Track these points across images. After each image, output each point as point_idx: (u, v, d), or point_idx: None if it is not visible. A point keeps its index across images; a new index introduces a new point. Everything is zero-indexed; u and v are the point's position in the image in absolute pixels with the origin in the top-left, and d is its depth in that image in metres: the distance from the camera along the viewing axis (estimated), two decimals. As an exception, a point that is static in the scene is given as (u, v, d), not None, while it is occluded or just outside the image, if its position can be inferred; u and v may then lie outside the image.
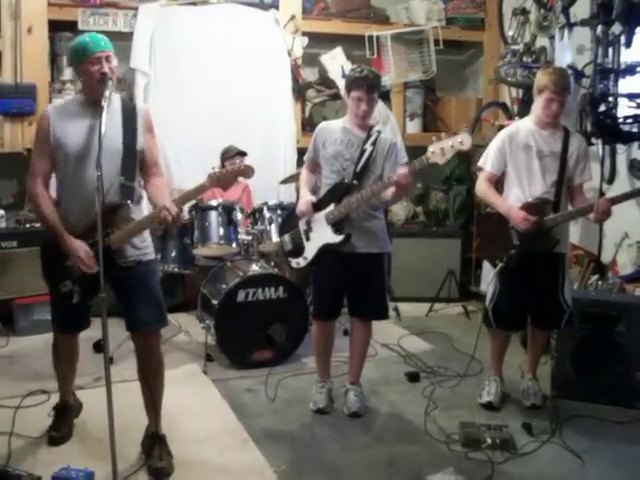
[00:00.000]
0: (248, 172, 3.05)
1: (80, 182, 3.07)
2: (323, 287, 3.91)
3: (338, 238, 3.71)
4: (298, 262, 3.93)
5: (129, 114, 3.17)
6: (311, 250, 3.85)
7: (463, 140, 3.34)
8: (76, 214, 3.11)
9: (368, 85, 3.63)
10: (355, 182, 3.69)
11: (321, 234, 3.78)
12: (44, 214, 3.11)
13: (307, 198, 3.81)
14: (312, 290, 4.12)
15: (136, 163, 3.16)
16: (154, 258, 3.32)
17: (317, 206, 3.78)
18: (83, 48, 3.04)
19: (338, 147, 3.75)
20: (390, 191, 3.59)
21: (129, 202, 3.11)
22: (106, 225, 2.95)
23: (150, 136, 3.26)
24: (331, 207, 3.72)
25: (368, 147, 3.71)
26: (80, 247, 3.04)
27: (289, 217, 4.13)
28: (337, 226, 3.71)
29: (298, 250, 3.92)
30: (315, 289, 4.02)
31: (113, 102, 3.14)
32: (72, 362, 3.52)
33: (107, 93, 2.96)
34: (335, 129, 3.82)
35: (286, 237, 4.02)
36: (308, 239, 3.86)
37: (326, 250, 3.77)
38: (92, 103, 3.06)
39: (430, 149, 3.39)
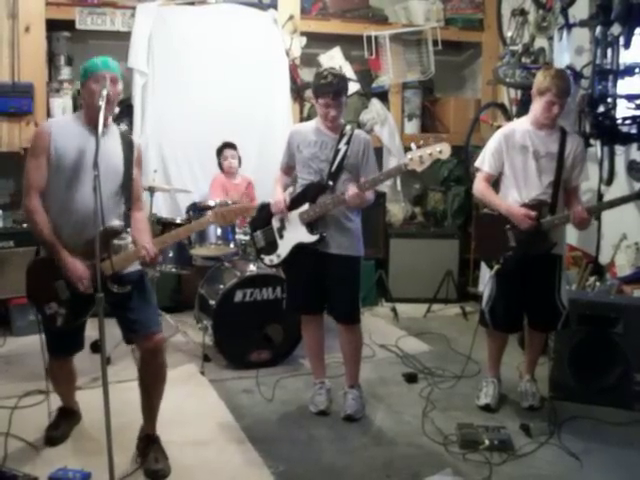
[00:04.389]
0: (250, 211, 3.32)
1: (74, 201, 3.05)
2: (293, 281, 3.96)
3: (312, 238, 3.71)
4: (271, 259, 3.94)
5: (127, 146, 3.20)
6: (284, 248, 3.85)
7: (442, 150, 3.40)
8: (67, 232, 3.07)
9: (334, 92, 3.63)
10: (330, 183, 3.70)
11: (295, 233, 3.78)
12: (41, 231, 3.05)
13: (280, 197, 3.83)
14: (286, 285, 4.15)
15: (132, 193, 3.20)
16: (142, 269, 3.28)
17: (291, 205, 3.79)
18: (90, 66, 3.07)
19: (313, 149, 3.75)
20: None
21: (129, 230, 3.16)
22: (102, 250, 2.93)
23: (138, 171, 3.29)
24: (305, 207, 3.72)
25: (342, 147, 3.72)
26: (79, 265, 3.02)
27: (261, 214, 4.11)
28: (311, 226, 3.72)
29: (271, 247, 3.92)
30: (287, 283, 4.07)
31: (112, 129, 3.19)
32: (69, 383, 3.52)
33: (104, 92, 2.95)
34: (308, 131, 3.82)
35: (259, 234, 4.01)
36: (281, 237, 3.87)
37: (300, 248, 3.77)
38: (94, 125, 2.99)
39: (408, 156, 3.44)
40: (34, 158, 3.08)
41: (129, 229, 3.19)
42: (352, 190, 3.54)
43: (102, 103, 2.93)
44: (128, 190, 3.18)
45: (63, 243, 3.04)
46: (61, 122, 3.22)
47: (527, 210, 3.70)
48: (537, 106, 3.76)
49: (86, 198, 2.99)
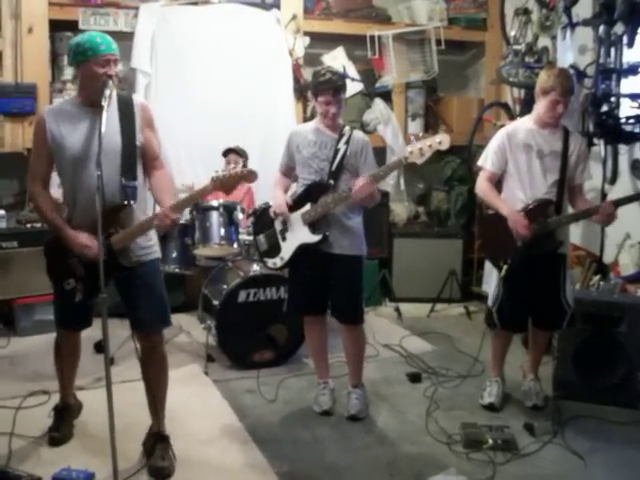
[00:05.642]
0: (251, 177, 3.03)
1: (81, 183, 3.06)
2: (294, 282, 3.95)
3: (315, 238, 3.70)
4: (275, 262, 3.93)
5: (126, 110, 3.12)
6: (288, 250, 3.84)
7: (442, 140, 3.38)
8: (80, 214, 3.10)
9: (334, 89, 3.63)
10: (331, 182, 3.69)
11: (297, 234, 3.77)
12: (43, 210, 3.14)
13: (282, 199, 3.82)
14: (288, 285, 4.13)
15: (137, 161, 3.13)
16: (158, 257, 3.28)
17: (292, 206, 3.78)
18: (92, 47, 2.96)
19: (312, 149, 3.75)
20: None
21: (132, 202, 3.08)
22: (109, 225, 2.96)
23: (149, 130, 3.21)
24: (307, 207, 3.72)
25: (342, 146, 3.71)
26: (81, 235, 3.04)
27: (262, 216, 4.08)
28: (314, 226, 3.71)
29: (274, 250, 3.92)
30: (289, 284, 4.05)
31: (111, 101, 3.10)
32: (74, 361, 3.52)
33: (107, 92, 2.94)
34: (307, 131, 3.82)
35: (261, 237, 4.01)
36: (284, 239, 3.86)
37: (303, 249, 3.76)
38: (90, 104, 3.02)
39: (408, 149, 3.42)
40: (34, 146, 3.18)
41: (132, 201, 3.08)
42: (361, 181, 3.50)
43: (105, 104, 2.91)
44: (132, 161, 3.10)
45: (77, 224, 3.08)
46: (56, 107, 3.19)
47: (526, 220, 3.69)
48: (541, 105, 3.75)
49: (92, 180, 2.92)
